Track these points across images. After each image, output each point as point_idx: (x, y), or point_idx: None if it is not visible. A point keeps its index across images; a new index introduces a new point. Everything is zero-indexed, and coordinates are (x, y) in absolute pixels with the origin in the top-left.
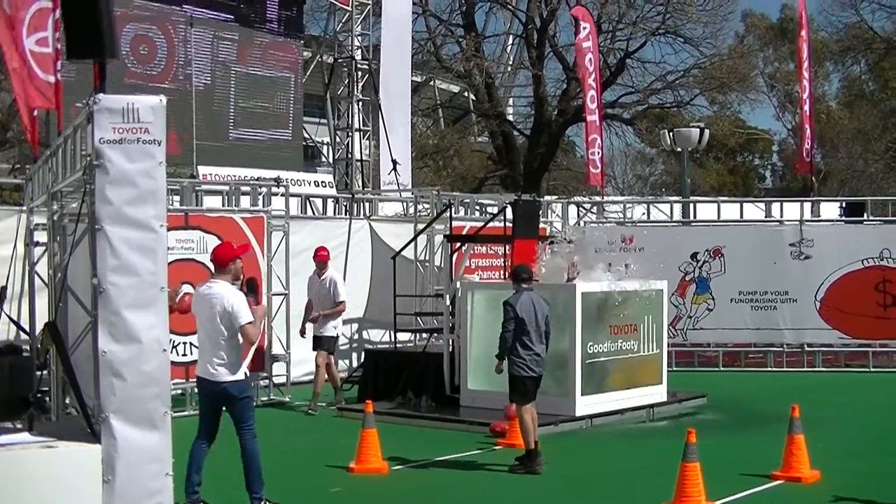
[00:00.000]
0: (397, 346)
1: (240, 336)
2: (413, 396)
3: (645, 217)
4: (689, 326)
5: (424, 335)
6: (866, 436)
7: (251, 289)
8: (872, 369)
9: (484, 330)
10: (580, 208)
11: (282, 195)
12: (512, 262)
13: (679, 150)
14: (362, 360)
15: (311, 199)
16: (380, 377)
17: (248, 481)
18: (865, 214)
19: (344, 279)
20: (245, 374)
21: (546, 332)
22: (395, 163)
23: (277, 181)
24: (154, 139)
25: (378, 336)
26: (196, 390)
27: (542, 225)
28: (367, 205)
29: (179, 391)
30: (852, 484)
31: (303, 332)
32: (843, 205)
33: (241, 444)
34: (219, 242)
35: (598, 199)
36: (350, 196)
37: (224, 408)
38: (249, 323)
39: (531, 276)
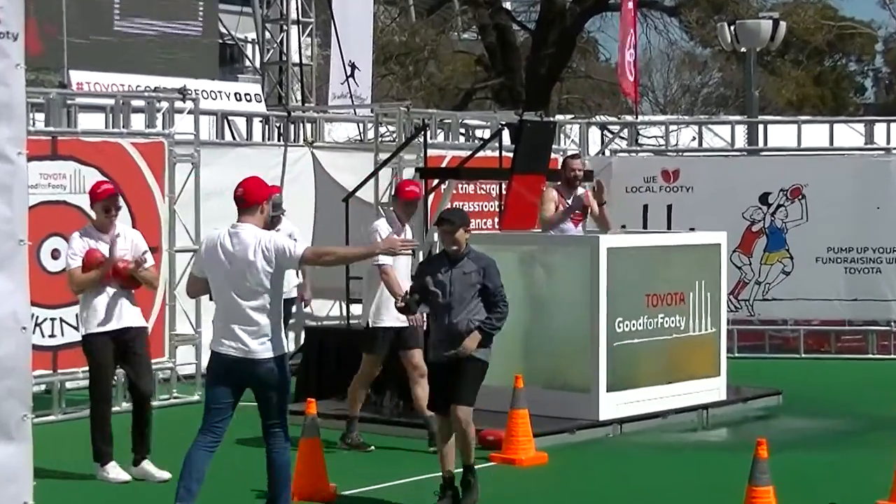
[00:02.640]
0: (350, 322)
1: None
2: (373, 392)
3: (695, 144)
4: (757, 296)
5: None
6: None
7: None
8: None
9: None
10: (605, 131)
11: (189, 113)
12: (509, 204)
13: (743, 50)
14: (302, 342)
15: (230, 118)
16: (326, 366)
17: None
18: None
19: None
20: (286, 347)
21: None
22: (352, 66)
23: (183, 93)
24: (7, 31)
25: (323, 309)
26: (62, 385)
27: (553, 155)
28: (309, 126)
29: (44, 387)
30: None
31: (406, 310)
32: None
33: (273, 452)
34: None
35: (630, 118)
36: (285, 114)
37: (259, 396)
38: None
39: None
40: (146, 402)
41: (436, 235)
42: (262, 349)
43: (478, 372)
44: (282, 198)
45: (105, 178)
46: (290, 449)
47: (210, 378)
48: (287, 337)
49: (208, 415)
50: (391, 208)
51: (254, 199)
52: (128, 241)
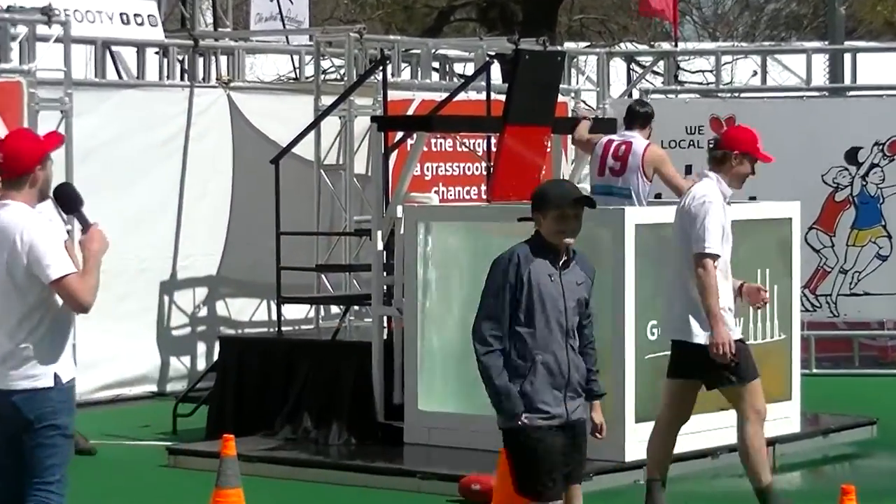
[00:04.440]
0: (282, 330)
1: (52, 301)
2: (313, 426)
3: (757, 81)
4: (843, 290)
5: (335, 310)
6: None
7: (66, 203)
8: None
9: (451, 298)
10: (633, 64)
11: (57, 41)
12: (501, 166)
13: None
14: (216, 357)
15: (113, 48)
16: (249, 389)
17: None
18: None
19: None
20: (56, 377)
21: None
22: None
23: (48, 14)
24: None
25: (244, 311)
26: None
27: (560, 98)
28: (224, 60)
29: None
30: None
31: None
32: None
33: None
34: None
35: (667, 46)
36: (191, 44)
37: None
38: (70, 274)
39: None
40: None
41: (400, 210)
42: (16, 377)
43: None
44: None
45: None
46: None
47: None
48: (193, 352)
49: None
50: None
51: (19, 167)
52: None
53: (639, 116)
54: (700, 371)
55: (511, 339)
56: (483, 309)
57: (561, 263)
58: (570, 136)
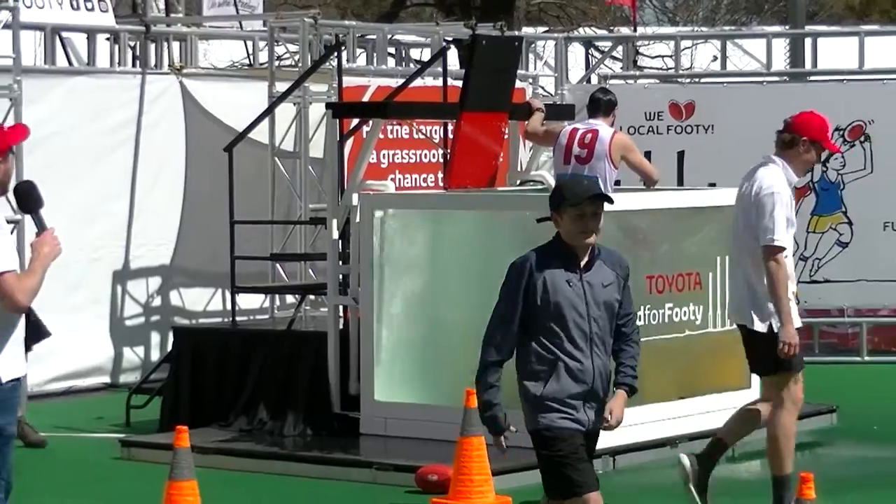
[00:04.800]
0: (237, 320)
1: None
2: (268, 417)
3: (717, 66)
4: (803, 277)
5: (291, 299)
6: None
7: (26, 202)
8: None
9: (408, 287)
10: (592, 49)
11: (5, 27)
12: (457, 153)
13: None
14: (169, 348)
15: (63, 34)
16: (203, 380)
17: None
18: None
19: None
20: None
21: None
22: None
23: None
24: None
25: (199, 301)
26: None
27: (518, 84)
28: (176, 46)
29: None
30: None
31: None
32: None
33: None
34: None
35: (626, 31)
36: (142, 29)
37: None
38: (7, 273)
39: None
40: None
41: (356, 198)
42: None
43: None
44: None
45: None
46: None
47: None
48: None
49: None
50: None
51: None
52: None
53: (602, 105)
54: (750, 354)
55: (530, 345)
56: (494, 313)
57: (583, 265)
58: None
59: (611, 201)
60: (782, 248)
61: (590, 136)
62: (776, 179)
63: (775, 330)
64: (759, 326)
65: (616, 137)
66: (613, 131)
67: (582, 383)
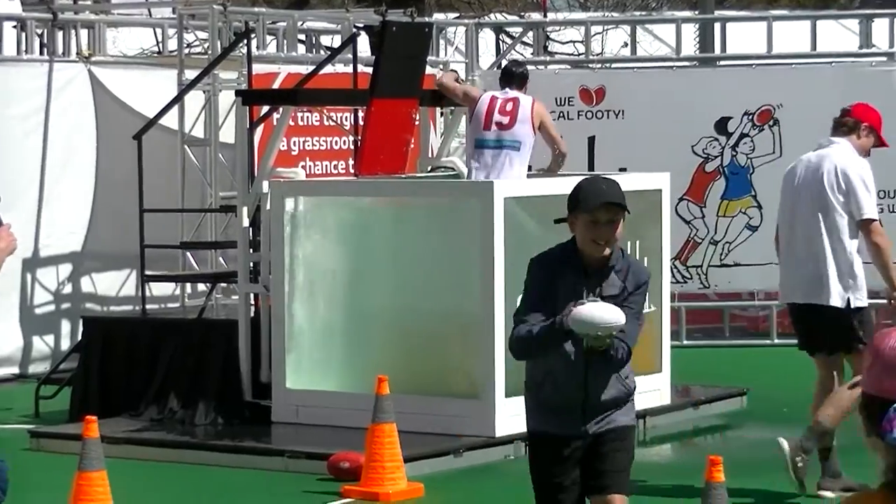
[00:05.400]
0: (147, 308)
1: None
2: (179, 406)
3: (627, 51)
4: (713, 261)
5: (202, 288)
6: None
7: None
8: None
9: (319, 275)
10: (503, 35)
11: None
12: (368, 139)
13: None
14: (79, 337)
15: None
16: (113, 370)
17: None
18: None
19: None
20: None
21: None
22: None
23: None
24: None
25: (110, 289)
26: None
27: (428, 70)
28: (84, 34)
29: None
30: None
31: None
32: None
33: None
34: None
35: (536, 17)
36: (49, 17)
37: None
38: None
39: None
40: None
41: (266, 185)
42: None
43: (632, 444)
44: None
45: None
46: None
47: None
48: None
49: None
50: None
51: None
52: None
53: (516, 76)
54: (827, 336)
55: None
56: (521, 305)
57: (595, 273)
58: (436, 107)
59: (627, 210)
60: (876, 220)
61: (511, 104)
62: (854, 157)
63: (852, 305)
64: (839, 302)
65: (537, 104)
66: (533, 98)
67: (575, 393)
